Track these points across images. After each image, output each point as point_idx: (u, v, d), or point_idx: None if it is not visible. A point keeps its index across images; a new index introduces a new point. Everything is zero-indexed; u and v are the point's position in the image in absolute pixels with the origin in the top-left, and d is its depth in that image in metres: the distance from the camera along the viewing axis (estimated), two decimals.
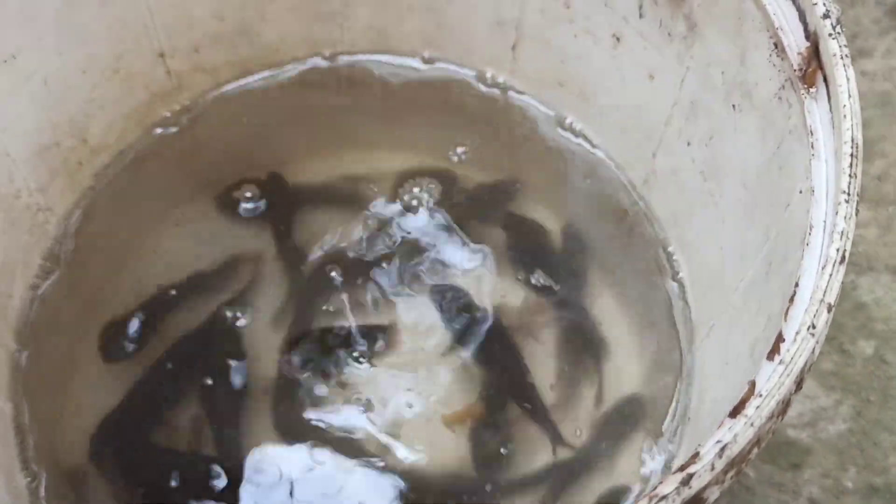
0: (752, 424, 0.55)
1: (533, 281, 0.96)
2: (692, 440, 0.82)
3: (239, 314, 0.94)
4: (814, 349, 0.57)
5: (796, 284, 0.61)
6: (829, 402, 1.00)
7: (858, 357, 1.03)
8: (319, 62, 1.05)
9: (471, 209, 1.00)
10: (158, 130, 1.01)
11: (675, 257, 0.94)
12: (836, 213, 0.61)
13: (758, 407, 0.55)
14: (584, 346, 0.93)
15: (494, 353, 0.93)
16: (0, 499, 0.77)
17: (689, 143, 0.87)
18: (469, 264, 0.97)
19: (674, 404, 0.89)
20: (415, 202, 0.99)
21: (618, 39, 0.89)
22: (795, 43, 0.70)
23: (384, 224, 0.98)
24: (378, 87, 1.05)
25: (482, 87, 1.04)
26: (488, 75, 1.03)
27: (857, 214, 0.62)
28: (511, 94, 1.03)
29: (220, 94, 1.03)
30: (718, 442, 0.54)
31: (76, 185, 0.96)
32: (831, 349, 1.03)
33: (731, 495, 0.96)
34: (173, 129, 1.02)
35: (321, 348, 0.93)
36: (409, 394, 0.90)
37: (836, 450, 0.98)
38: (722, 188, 0.83)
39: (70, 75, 0.91)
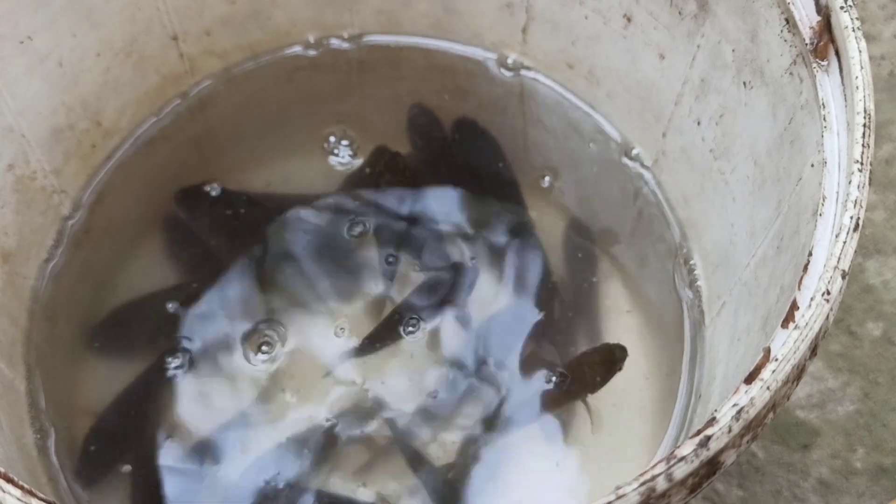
0: (768, 388, 0.55)
1: None
2: (703, 417, 0.82)
3: None
4: (828, 315, 0.58)
5: (810, 254, 0.61)
6: (837, 384, 1.00)
7: (866, 339, 1.03)
8: (330, 45, 1.05)
9: None
10: (170, 113, 1.01)
11: (685, 237, 0.94)
12: (850, 182, 0.61)
13: (773, 371, 0.55)
14: None
15: None
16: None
17: (699, 122, 0.87)
18: None
19: (684, 383, 0.89)
20: None
21: (628, 20, 0.89)
22: (807, 17, 0.70)
23: None
24: (388, 71, 1.06)
25: (493, 71, 1.04)
26: (501, 58, 1.04)
27: (869, 185, 0.62)
28: (523, 77, 1.03)
29: (231, 77, 1.03)
30: (735, 405, 0.54)
31: (89, 167, 0.97)
32: (839, 331, 1.03)
33: (741, 476, 0.96)
34: (185, 113, 1.02)
35: None
36: None
37: (845, 431, 0.98)
38: (732, 166, 0.83)
39: (84, 58, 0.91)
